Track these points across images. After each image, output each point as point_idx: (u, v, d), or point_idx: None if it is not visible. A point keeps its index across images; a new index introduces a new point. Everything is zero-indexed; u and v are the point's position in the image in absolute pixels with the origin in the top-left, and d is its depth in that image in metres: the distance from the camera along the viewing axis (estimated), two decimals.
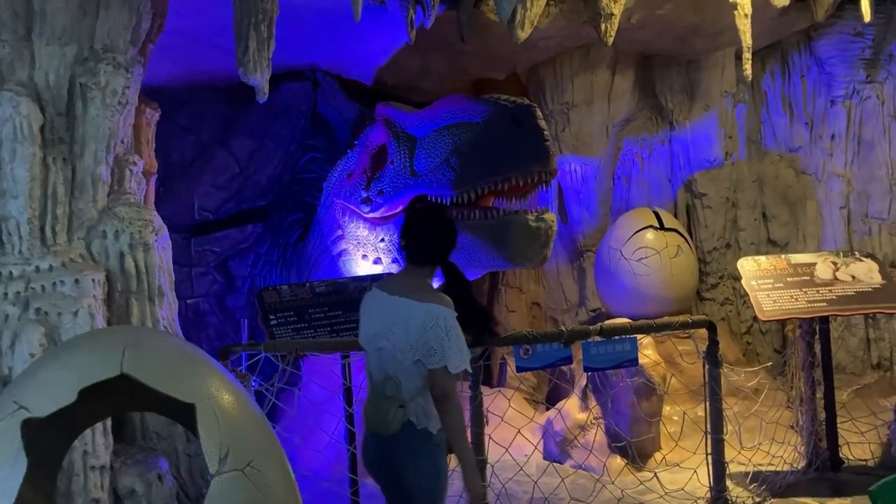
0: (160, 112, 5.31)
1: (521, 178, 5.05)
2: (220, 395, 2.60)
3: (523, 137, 4.99)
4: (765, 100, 7.63)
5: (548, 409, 6.58)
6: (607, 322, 4.64)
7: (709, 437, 4.73)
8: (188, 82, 6.95)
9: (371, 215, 5.94)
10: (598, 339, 4.49)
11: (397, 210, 5.82)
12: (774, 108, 7.58)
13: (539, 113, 5.15)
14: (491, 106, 5.25)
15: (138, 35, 4.51)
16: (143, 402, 3.04)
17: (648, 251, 6.63)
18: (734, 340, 7.29)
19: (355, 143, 6.38)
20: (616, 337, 4.52)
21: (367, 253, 6.07)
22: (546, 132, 5.06)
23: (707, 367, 4.69)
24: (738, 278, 7.50)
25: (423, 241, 3.00)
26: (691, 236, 7.24)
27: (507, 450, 4.61)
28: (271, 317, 4.95)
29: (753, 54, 7.31)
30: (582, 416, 5.93)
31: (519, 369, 4.41)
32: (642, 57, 7.41)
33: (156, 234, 4.49)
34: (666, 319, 4.81)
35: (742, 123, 7.50)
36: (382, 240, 5.92)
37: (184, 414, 2.62)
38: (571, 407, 6.03)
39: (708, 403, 4.71)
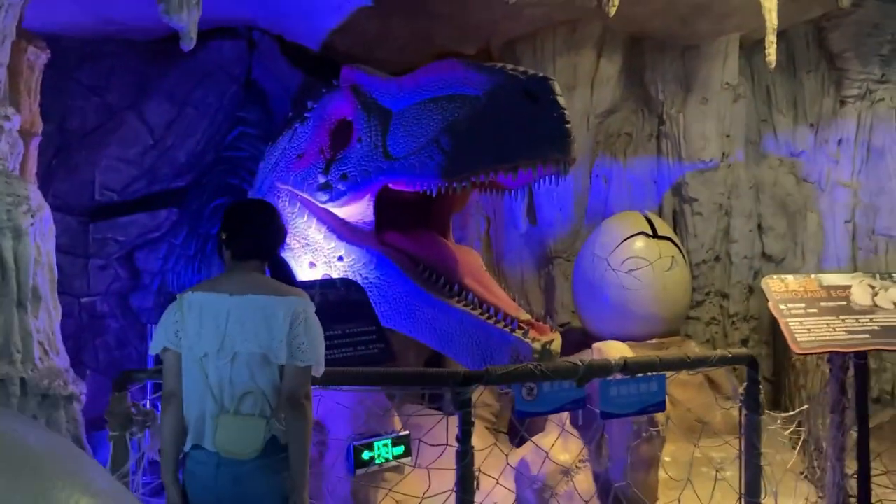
0: (48, 57, 4.08)
1: (534, 167, 4.03)
2: None
3: (539, 116, 3.95)
4: (767, 96, 6.83)
5: (512, 442, 5.57)
6: (630, 357, 3.66)
7: (742, 500, 3.80)
8: (95, 32, 5.83)
9: (330, 205, 4.84)
10: (619, 376, 3.51)
11: (362, 199, 4.78)
12: (777, 105, 6.79)
13: (558, 87, 4.09)
14: (497, 76, 4.17)
15: None
16: None
17: (640, 261, 5.73)
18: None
19: (306, 115, 5.24)
20: (641, 374, 3.54)
21: (315, 261, 4.96)
22: (567, 111, 4.01)
23: (745, 413, 3.76)
24: (726, 295, 6.75)
25: (253, 235, 2.75)
26: None
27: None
28: None
29: (753, 45, 6.58)
30: (565, 458, 4.95)
31: (519, 414, 3.38)
32: (632, 40, 6.56)
33: (32, 216, 3.29)
34: (702, 353, 3.89)
35: (741, 121, 6.66)
36: (341, 258, 4.83)
37: None
38: (552, 445, 5.03)
39: (743, 458, 3.79)
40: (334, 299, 4.21)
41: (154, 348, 2.67)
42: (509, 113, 4.01)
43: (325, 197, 4.82)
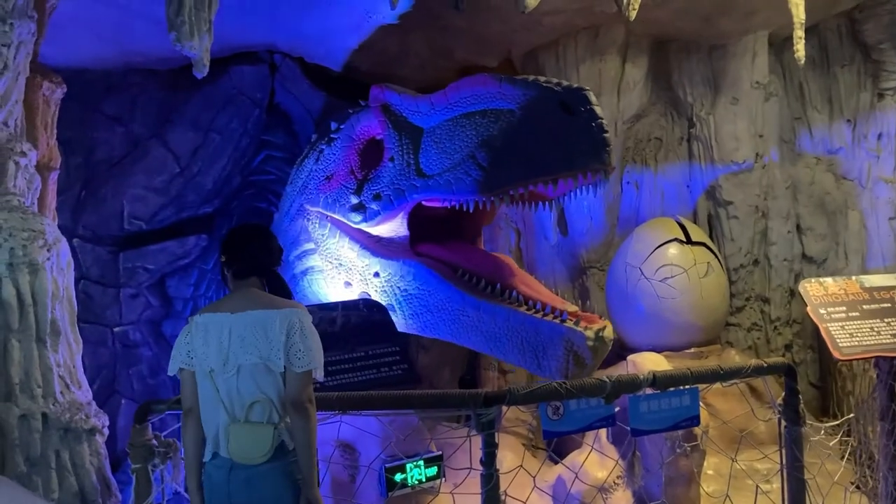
0: (64, 91, 4.11)
1: (574, 178, 4.02)
2: None
3: (576, 127, 3.94)
4: (799, 93, 6.61)
5: (553, 460, 5.43)
6: (659, 371, 3.53)
7: None
8: (118, 64, 5.90)
9: (364, 226, 4.81)
10: (649, 391, 3.38)
11: (395, 218, 4.76)
12: (810, 102, 6.56)
13: (594, 97, 4.08)
14: (532, 89, 4.15)
15: None
16: None
17: (674, 269, 5.58)
18: None
19: (332, 136, 5.20)
20: (672, 388, 3.40)
21: (351, 280, 4.91)
22: (604, 120, 4.00)
23: (784, 424, 3.59)
24: (766, 300, 6.53)
25: (252, 254, 2.97)
26: None
27: None
28: None
29: (783, 40, 6.39)
30: (602, 475, 4.82)
31: (547, 434, 3.27)
32: (657, 42, 6.40)
33: (48, 251, 3.29)
34: (737, 364, 3.72)
35: (774, 120, 6.46)
36: (377, 274, 4.78)
37: None
38: (588, 462, 4.89)
39: (785, 472, 3.62)
40: (357, 321, 4.16)
41: (171, 369, 2.90)
42: (546, 125, 4.00)
43: (358, 217, 4.79)
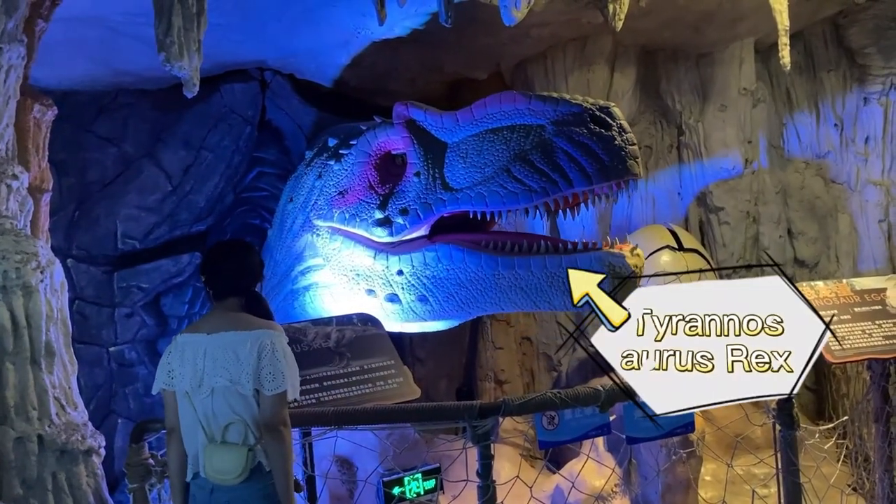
0: (55, 113, 4.12)
1: (607, 189, 4.30)
2: None
3: (607, 140, 4.21)
4: (787, 99, 6.67)
5: (551, 470, 5.44)
6: None
7: None
8: (110, 84, 5.92)
9: (390, 239, 4.84)
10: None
11: (419, 231, 4.83)
12: (798, 107, 6.62)
13: (620, 112, 4.38)
14: (562, 106, 4.38)
15: (15, 2, 3.31)
16: None
17: (666, 277, 5.56)
18: None
19: (342, 151, 5.22)
20: None
21: (373, 287, 4.94)
22: (632, 134, 4.31)
23: (779, 428, 3.62)
24: None
25: (228, 275, 2.94)
26: None
27: None
28: None
29: (769, 47, 6.44)
30: (599, 483, 4.84)
31: (542, 444, 3.30)
32: (644, 52, 6.44)
33: (42, 273, 3.30)
34: None
35: (762, 126, 6.51)
36: (400, 272, 4.81)
37: None
38: (585, 471, 4.91)
39: (780, 476, 3.64)
40: (352, 336, 4.17)
41: (154, 389, 2.95)
42: (579, 140, 4.21)
43: (383, 232, 4.82)
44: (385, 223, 4.84)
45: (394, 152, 5.05)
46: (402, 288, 4.82)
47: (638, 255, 4.38)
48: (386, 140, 5.06)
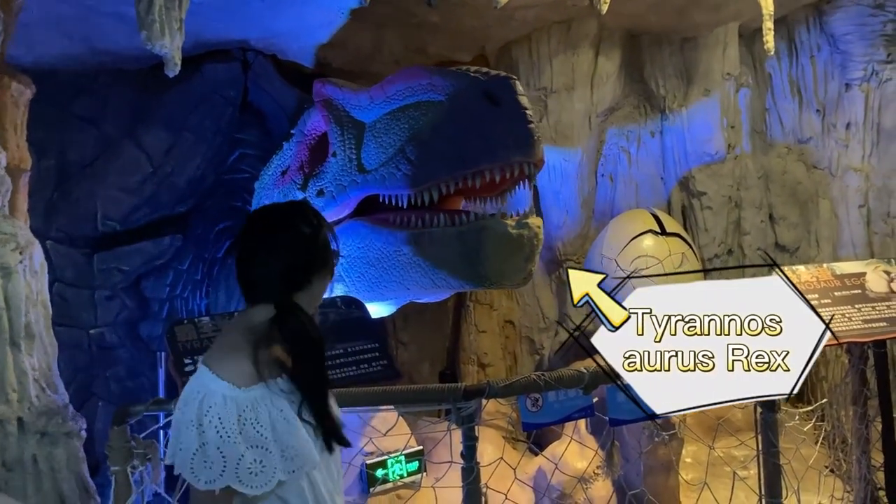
0: (34, 92, 4.06)
1: (497, 172, 3.88)
2: None
3: (500, 119, 3.82)
4: (770, 84, 6.71)
5: (534, 452, 5.47)
6: None
7: (763, 501, 3.69)
8: (89, 64, 5.75)
9: None
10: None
11: (342, 216, 4.66)
12: (781, 93, 6.68)
13: (520, 87, 3.96)
14: (458, 79, 4.05)
15: None
16: None
17: (649, 260, 5.64)
18: None
19: (292, 132, 5.18)
20: None
21: None
22: (529, 111, 3.87)
23: (760, 411, 3.65)
24: None
25: (261, 263, 1.90)
26: None
27: None
28: (187, 361, 3.67)
29: (753, 32, 6.46)
30: (582, 465, 4.87)
31: (526, 426, 3.31)
32: (629, 35, 6.46)
33: (21, 254, 3.25)
34: None
35: (745, 111, 6.54)
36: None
37: None
38: (568, 453, 4.94)
39: (761, 458, 3.68)
40: (335, 318, 4.15)
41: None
42: (470, 116, 3.89)
43: None
44: None
45: (326, 133, 4.92)
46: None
47: (526, 224, 4.00)
48: (316, 120, 4.97)
